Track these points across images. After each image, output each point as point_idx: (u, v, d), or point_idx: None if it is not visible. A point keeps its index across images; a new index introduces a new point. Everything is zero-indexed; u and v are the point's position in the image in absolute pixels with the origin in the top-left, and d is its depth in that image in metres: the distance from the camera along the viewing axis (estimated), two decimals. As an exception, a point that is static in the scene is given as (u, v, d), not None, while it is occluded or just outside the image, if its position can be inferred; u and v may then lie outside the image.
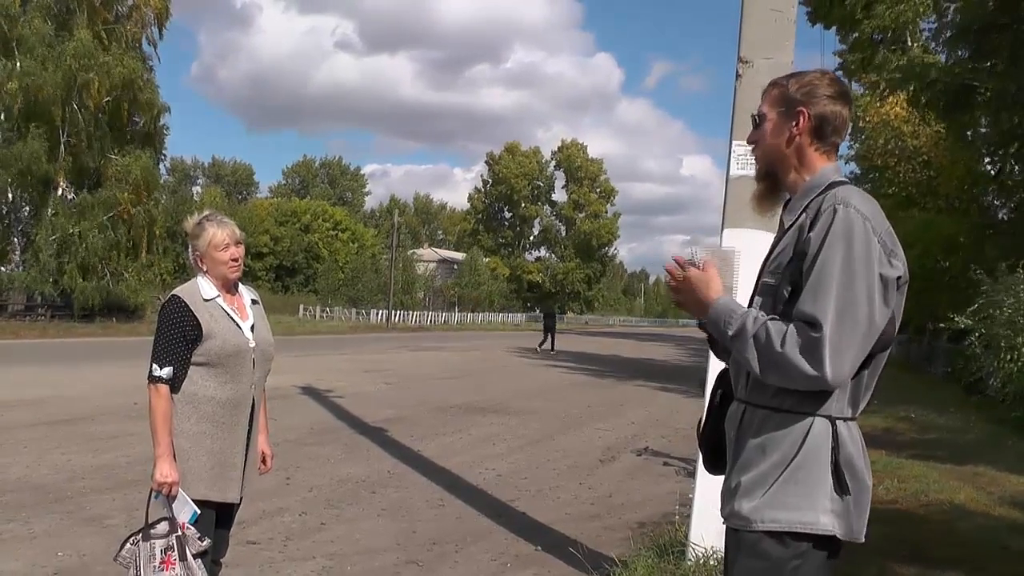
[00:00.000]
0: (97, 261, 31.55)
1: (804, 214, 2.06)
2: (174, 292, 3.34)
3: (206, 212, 3.46)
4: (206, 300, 3.30)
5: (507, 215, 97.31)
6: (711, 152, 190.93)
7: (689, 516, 4.82)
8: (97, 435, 8.85)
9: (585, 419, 12.58)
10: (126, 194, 31.38)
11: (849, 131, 2.99)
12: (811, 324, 1.90)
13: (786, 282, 2.02)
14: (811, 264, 1.95)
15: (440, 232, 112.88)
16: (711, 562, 4.48)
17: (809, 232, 1.99)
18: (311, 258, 73.60)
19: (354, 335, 40.59)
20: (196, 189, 77.18)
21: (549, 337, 31.38)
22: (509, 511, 6.60)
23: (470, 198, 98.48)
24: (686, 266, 2.15)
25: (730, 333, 2.01)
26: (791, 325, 1.93)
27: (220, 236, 3.31)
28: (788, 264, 2.03)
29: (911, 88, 20.10)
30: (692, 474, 5.29)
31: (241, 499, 3.46)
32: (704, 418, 2.36)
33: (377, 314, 57.94)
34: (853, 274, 1.91)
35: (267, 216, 73.11)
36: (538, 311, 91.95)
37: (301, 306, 58.53)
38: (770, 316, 2.00)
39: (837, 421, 2.00)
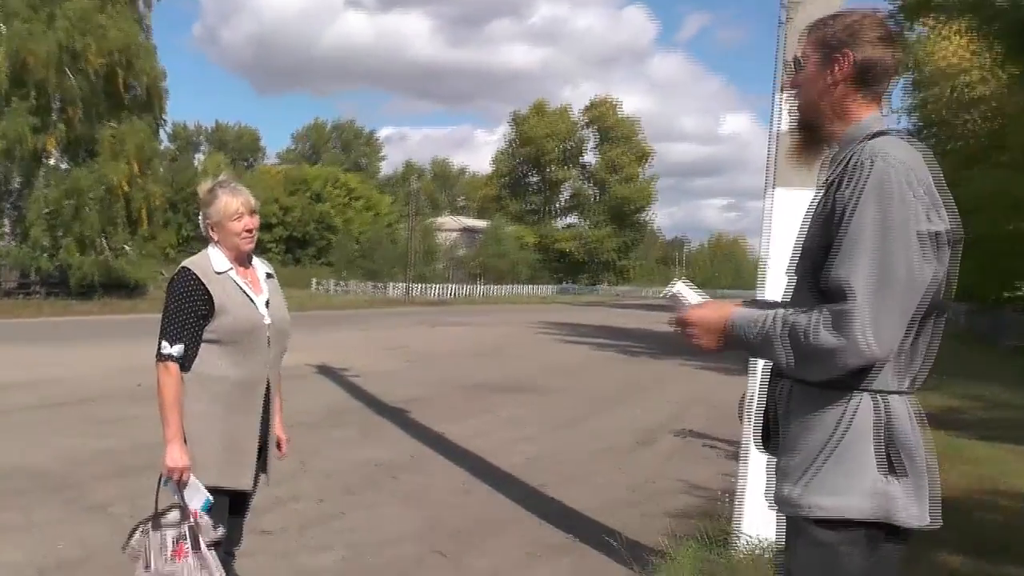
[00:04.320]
0: (95, 235, 31.66)
1: (842, 168, 2.01)
2: (184, 264, 3.32)
3: (220, 178, 3.44)
4: (218, 273, 3.28)
5: (534, 179, 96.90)
6: (753, 108, 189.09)
7: (736, 503, 4.80)
8: (99, 418, 8.97)
9: (619, 398, 12.60)
10: (123, 164, 31.43)
11: (899, 80, 2.91)
12: (841, 292, 1.88)
13: (819, 244, 2.00)
14: (844, 224, 1.92)
15: (461, 199, 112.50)
16: (764, 553, 4.43)
17: (843, 188, 1.96)
18: (324, 228, 73.72)
19: (371, 310, 40.77)
20: (199, 156, 77.60)
21: None
22: (539, 497, 6.63)
23: (494, 161, 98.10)
24: (682, 312, 2.19)
25: (753, 342, 2.05)
26: (817, 310, 1.91)
27: (234, 205, 3.29)
28: (822, 225, 2.01)
29: (974, 22, 19.57)
30: (737, 457, 5.27)
31: (264, 484, 3.51)
32: (754, 394, 2.36)
33: (395, 287, 58.17)
34: (888, 232, 1.88)
35: (276, 184, 73.20)
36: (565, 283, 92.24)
37: (313, 280, 58.82)
38: (797, 309, 1.97)
39: (888, 396, 1.97)
